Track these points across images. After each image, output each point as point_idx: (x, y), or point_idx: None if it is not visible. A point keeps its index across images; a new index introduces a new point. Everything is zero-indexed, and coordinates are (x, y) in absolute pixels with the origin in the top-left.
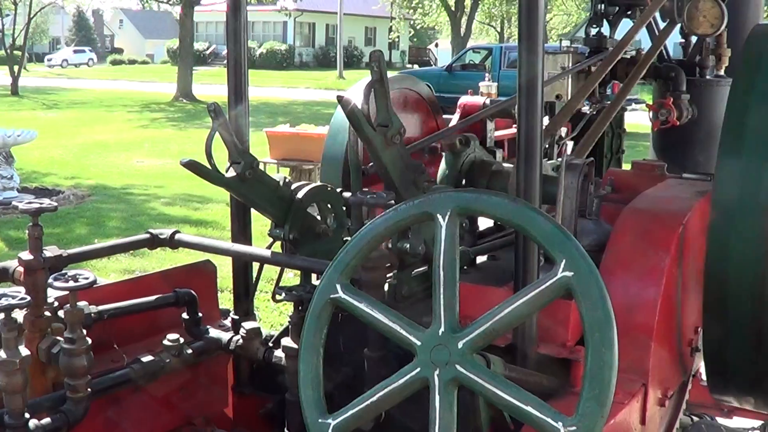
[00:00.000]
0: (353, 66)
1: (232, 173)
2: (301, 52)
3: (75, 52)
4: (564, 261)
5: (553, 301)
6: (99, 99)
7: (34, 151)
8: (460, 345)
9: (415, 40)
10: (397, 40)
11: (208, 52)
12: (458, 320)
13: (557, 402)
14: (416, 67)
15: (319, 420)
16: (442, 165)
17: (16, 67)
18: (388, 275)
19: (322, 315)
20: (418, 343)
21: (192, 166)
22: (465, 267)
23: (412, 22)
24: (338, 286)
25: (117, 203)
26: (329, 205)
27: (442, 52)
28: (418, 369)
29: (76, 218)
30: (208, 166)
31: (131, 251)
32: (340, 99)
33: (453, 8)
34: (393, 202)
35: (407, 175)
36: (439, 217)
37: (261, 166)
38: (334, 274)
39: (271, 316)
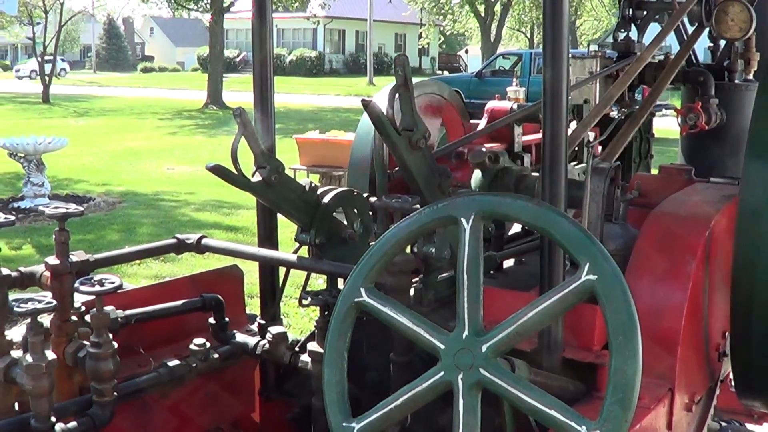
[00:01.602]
0: (383, 73)
1: (257, 178)
2: (331, 58)
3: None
4: (588, 264)
5: (577, 304)
6: (130, 106)
7: (65, 158)
8: (483, 348)
9: (444, 46)
10: (427, 46)
11: (238, 59)
12: (482, 324)
13: (583, 406)
14: (446, 73)
15: (344, 424)
16: (475, 179)
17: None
18: (414, 280)
19: (346, 319)
20: (442, 346)
21: (218, 170)
22: (492, 272)
23: (442, 29)
24: (362, 290)
25: (148, 210)
26: (355, 210)
27: (472, 58)
28: (442, 373)
29: (107, 225)
30: (234, 171)
31: (162, 258)
32: (364, 103)
33: (483, 14)
34: (418, 206)
35: (432, 179)
36: (463, 220)
37: (291, 173)
38: (358, 278)
39: (302, 322)
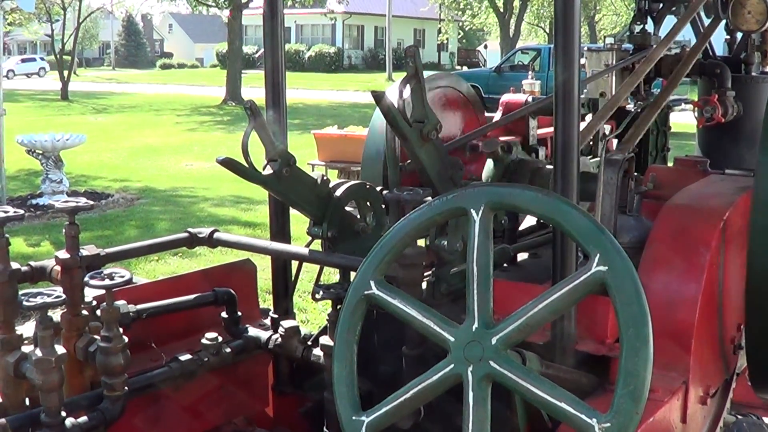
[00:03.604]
0: (402, 68)
1: (269, 171)
2: (350, 54)
3: (23, 61)
4: (598, 255)
5: (587, 296)
6: (148, 103)
7: (84, 155)
8: (493, 341)
9: (464, 41)
10: (446, 41)
11: (256, 55)
12: (492, 316)
13: (596, 399)
14: (465, 68)
15: (353, 417)
16: (487, 169)
17: (65, 72)
18: (426, 273)
19: (356, 312)
20: (452, 339)
21: (228, 163)
22: (505, 265)
23: (460, 24)
24: (372, 283)
25: (166, 206)
26: (368, 203)
27: (491, 54)
28: (452, 365)
29: (125, 221)
30: (245, 164)
31: (180, 254)
32: (375, 95)
33: (502, 9)
34: (430, 198)
35: (444, 171)
36: (473, 211)
37: (309, 168)
38: (368, 271)
39: (320, 317)
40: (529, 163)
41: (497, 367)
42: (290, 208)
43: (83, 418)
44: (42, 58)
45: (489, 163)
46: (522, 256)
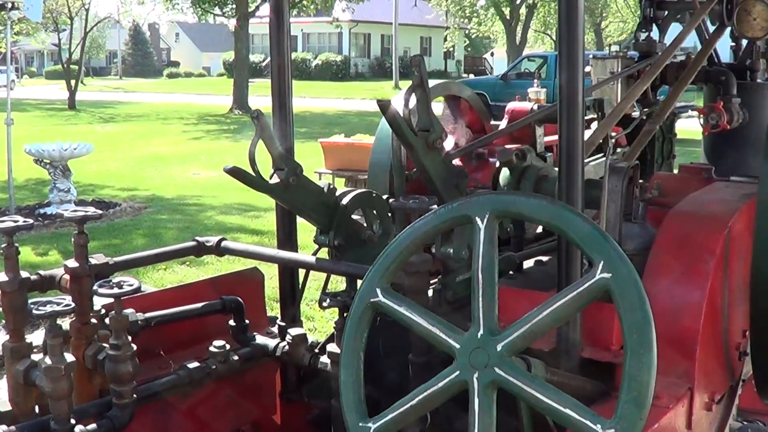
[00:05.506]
0: (409, 76)
1: (276, 180)
2: (357, 62)
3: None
4: (602, 263)
5: (591, 303)
6: (155, 112)
7: (91, 164)
8: (498, 348)
9: (470, 49)
10: (452, 49)
11: (263, 64)
12: (497, 323)
13: (601, 406)
14: (472, 76)
15: (360, 424)
16: (503, 177)
17: (73, 82)
18: (432, 280)
19: (362, 319)
20: (457, 346)
21: (235, 172)
22: (511, 272)
23: (467, 32)
24: (378, 290)
25: (173, 214)
26: (375, 212)
27: (498, 61)
28: (457, 372)
29: (133, 230)
30: (252, 173)
31: (188, 263)
32: (381, 104)
33: (508, 17)
34: (435, 206)
35: (450, 179)
36: (478, 219)
37: (316, 177)
38: (374, 278)
39: (327, 325)
40: (534, 170)
41: (502, 374)
42: (297, 217)
43: (92, 426)
44: (15, 71)
45: (504, 171)
46: (528, 264)
